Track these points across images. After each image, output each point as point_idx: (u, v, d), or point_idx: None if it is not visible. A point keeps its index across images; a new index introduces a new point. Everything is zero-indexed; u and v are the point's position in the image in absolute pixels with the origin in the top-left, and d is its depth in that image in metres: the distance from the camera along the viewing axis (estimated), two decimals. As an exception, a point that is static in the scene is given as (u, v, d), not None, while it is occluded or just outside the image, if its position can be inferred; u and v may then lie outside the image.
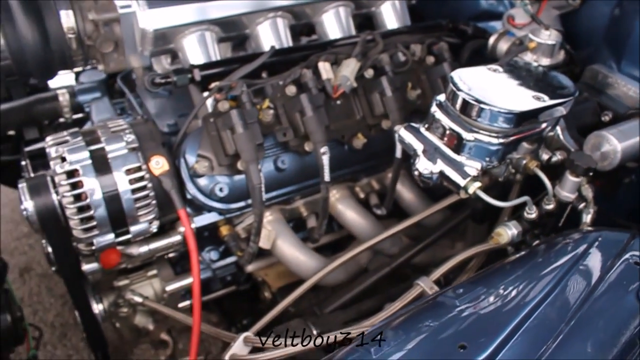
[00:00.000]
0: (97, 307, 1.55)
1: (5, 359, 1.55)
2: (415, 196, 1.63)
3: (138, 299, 1.49)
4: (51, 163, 1.23)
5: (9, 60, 1.35)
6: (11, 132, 1.93)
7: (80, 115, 1.68)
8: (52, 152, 1.23)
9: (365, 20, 1.74)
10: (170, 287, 1.55)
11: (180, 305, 1.65)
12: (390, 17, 1.67)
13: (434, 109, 1.20)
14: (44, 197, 1.25)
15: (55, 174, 1.22)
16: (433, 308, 1.00)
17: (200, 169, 1.30)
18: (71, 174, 1.22)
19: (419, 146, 1.20)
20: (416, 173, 1.19)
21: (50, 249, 1.47)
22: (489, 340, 0.88)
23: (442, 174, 1.17)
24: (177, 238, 1.40)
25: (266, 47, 1.50)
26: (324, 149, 1.31)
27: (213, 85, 1.32)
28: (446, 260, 1.23)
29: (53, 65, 1.40)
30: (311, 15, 1.59)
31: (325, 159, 1.31)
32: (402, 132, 1.23)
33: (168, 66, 1.59)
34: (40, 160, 1.55)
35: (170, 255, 1.62)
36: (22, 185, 1.27)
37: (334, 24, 1.60)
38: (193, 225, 1.37)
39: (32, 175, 1.48)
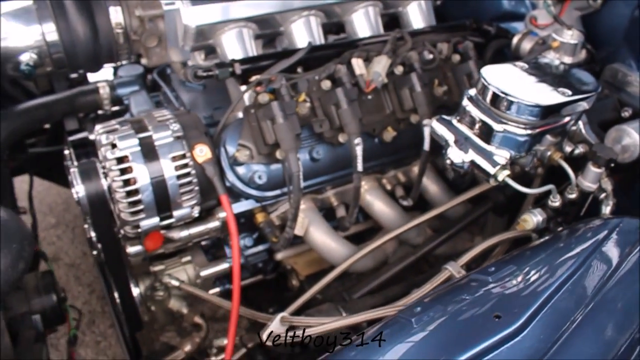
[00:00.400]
0: (135, 290, 1.62)
1: (44, 339, 1.62)
2: (439, 189, 1.69)
3: (175, 283, 1.57)
4: (102, 149, 1.30)
5: (60, 53, 1.42)
6: (46, 125, 2.02)
7: (117, 107, 1.76)
8: (102, 139, 1.31)
9: (392, 20, 1.81)
10: (204, 273, 1.62)
11: (211, 291, 1.73)
12: (417, 16, 1.74)
13: (465, 102, 1.28)
14: (94, 181, 1.33)
15: (106, 160, 1.29)
16: (467, 284, 1.06)
17: (241, 157, 1.38)
18: (121, 160, 1.29)
19: (450, 137, 1.28)
20: (448, 162, 1.27)
21: (93, 234, 1.55)
22: (521, 312, 0.94)
23: (472, 162, 1.24)
24: (215, 224, 1.47)
25: (299, 44, 1.57)
26: (357, 140, 1.38)
27: (253, 78, 1.39)
28: (473, 246, 1.30)
29: (101, 58, 1.48)
30: (341, 14, 1.66)
31: (359, 150, 1.39)
32: (435, 124, 1.30)
33: (201, 61, 1.66)
34: (83, 149, 1.63)
35: (203, 243, 1.70)
36: (74, 170, 1.34)
37: (363, 22, 1.67)
38: (232, 211, 1.44)
39: (75, 163, 1.56)
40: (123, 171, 1.28)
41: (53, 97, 1.65)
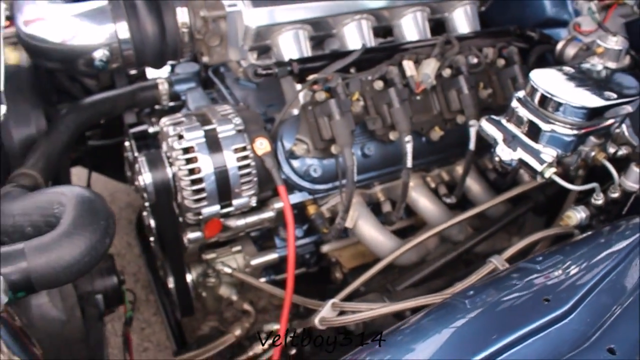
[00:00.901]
0: (188, 276, 1.71)
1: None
2: (481, 188, 1.75)
3: (228, 270, 1.65)
4: (169, 140, 1.39)
5: (130, 50, 1.51)
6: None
7: (173, 103, 1.86)
8: (170, 130, 1.39)
9: (438, 25, 1.87)
10: (254, 262, 1.70)
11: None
12: (462, 22, 1.81)
13: (514, 103, 1.35)
14: (160, 170, 1.42)
15: (173, 150, 1.38)
16: (515, 271, 1.13)
17: (298, 151, 1.46)
18: (187, 150, 1.38)
19: (499, 136, 1.35)
20: (496, 159, 1.33)
21: (152, 221, 1.64)
22: (568, 296, 1.00)
23: (520, 160, 1.31)
24: (269, 214, 1.55)
25: (350, 46, 1.65)
26: (408, 138, 1.45)
27: (310, 77, 1.47)
28: (517, 241, 1.36)
29: (166, 55, 1.57)
30: (391, 18, 1.74)
31: (409, 147, 1.46)
32: (484, 124, 1.37)
33: (254, 61, 1.74)
34: (142, 141, 1.73)
35: (252, 234, 1.78)
36: (142, 159, 1.43)
37: (411, 27, 1.74)
38: (286, 202, 1.52)
39: (136, 153, 1.65)
40: (189, 161, 1.37)
41: (116, 91, 1.75)
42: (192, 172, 1.37)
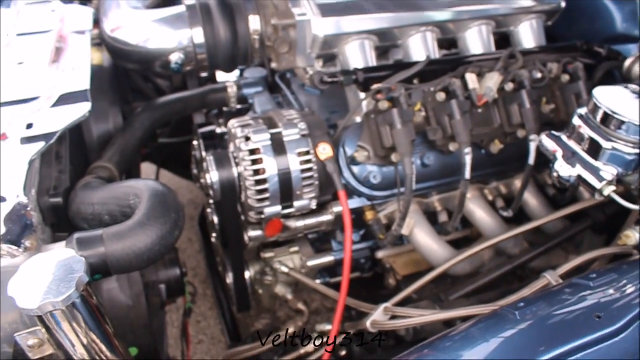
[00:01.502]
0: (247, 273, 1.78)
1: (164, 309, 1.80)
2: (539, 203, 1.75)
3: (285, 270, 1.71)
4: (236, 141, 1.46)
5: (203, 55, 1.60)
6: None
7: (241, 106, 1.94)
8: (238, 132, 1.47)
9: (503, 39, 1.88)
10: (310, 263, 1.76)
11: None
12: (528, 36, 1.81)
13: (576, 120, 1.35)
14: (227, 169, 1.49)
15: (240, 151, 1.45)
16: (568, 287, 1.13)
17: (359, 157, 1.50)
18: (253, 151, 1.44)
19: (559, 152, 1.35)
20: (555, 175, 1.34)
21: (215, 218, 1.71)
22: (621, 315, 1.00)
23: (579, 177, 1.31)
24: (328, 217, 1.60)
25: (415, 58, 1.68)
26: (468, 150, 1.47)
27: (374, 87, 1.51)
28: (574, 258, 1.36)
29: (237, 60, 1.65)
30: (456, 31, 1.76)
31: (469, 159, 1.48)
32: (544, 139, 1.38)
33: (320, 69, 1.79)
34: (210, 141, 1.81)
35: (310, 236, 1.84)
36: (210, 158, 1.51)
37: (476, 40, 1.75)
38: (345, 207, 1.56)
39: (204, 153, 1.73)
40: (254, 162, 1.44)
41: (188, 93, 1.85)
42: (257, 172, 1.44)
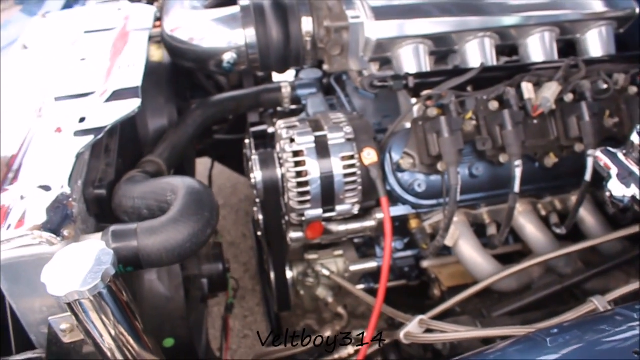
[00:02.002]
0: (288, 274, 1.78)
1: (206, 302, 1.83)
2: (597, 221, 1.66)
3: (326, 273, 1.70)
4: (281, 142, 1.47)
5: (255, 55, 1.61)
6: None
7: (295, 106, 1.94)
8: (283, 133, 1.47)
9: (568, 47, 1.80)
10: (353, 268, 1.74)
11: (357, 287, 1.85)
12: (596, 44, 1.72)
13: (634, 137, 1.26)
14: (271, 169, 1.50)
15: (284, 152, 1.45)
16: (610, 317, 1.06)
17: (404, 164, 1.47)
18: (297, 153, 1.44)
19: (613, 169, 1.27)
20: (607, 194, 1.26)
21: (261, 216, 1.73)
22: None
23: (633, 198, 1.23)
24: (371, 223, 1.58)
25: (472, 64, 1.63)
26: (518, 162, 1.41)
27: (424, 93, 1.48)
28: (625, 284, 1.28)
29: (289, 61, 1.65)
30: (517, 37, 1.69)
31: (518, 172, 1.42)
32: (599, 154, 1.30)
33: (375, 72, 1.77)
34: (261, 140, 1.83)
35: (356, 240, 1.82)
36: (255, 157, 1.52)
37: (538, 47, 1.68)
38: (388, 214, 1.54)
39: (253, 151, 1.75)
40: (297, 164, 1.44)
41: (242, 92, 1.87)
42: (299, 174, 1.44)
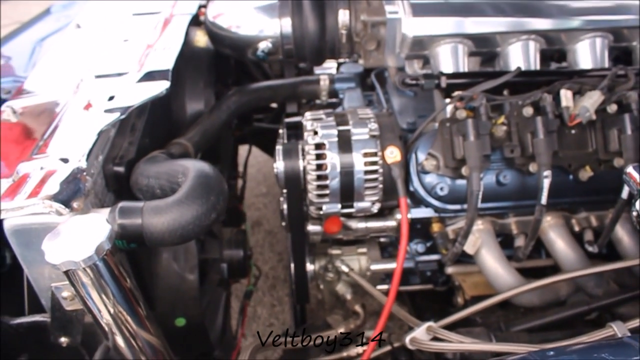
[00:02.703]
0: (310, 266, 1.78)
1: (227, 289, 1.85)
2: (634, 242, 1.56)
3: (345, 269, 1.69)
4: (305, 134, 1.46)
5: (290, 45, 1.61)
6: (274, 105, 2.28)
7: (333, 100, 1.93)
8: (308, 125, 1.47)
9: (624, 54, 1.70)
10: (374, 267, 1.72)
11: (378, 287, 1.82)
12: (651, 55, 1.62)
13: (673, 155, 1.18)
14: (293, 160, 1.50)
15: (307, 144, 1.45)
16: (616, 344, 1.00)
17: (428, 165, 1.44)
18: (319, 146, 1.43)
19: (645, 188, 1.20)
20: (634, 214, 1.19)
21: (285, 206, 1.73)
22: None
23: (664, 220, 1.15)
24: (392, 223, 1.56)
25: (513, 67, 1.57)
26: (547, 173, 1.35)
27: (456, 94, 1.43)
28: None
29: (324, 54, 1.64)
30: (565, 42, 1.62)
31: (546, 183, 1.35)
32: (630, 170, 1.23)
33: (418, 70, 1.73)
34: (295, 131, 1.82)
35: (382, 239, 1.79)
36: (279, 148, 1.52)
37: (587, 53, 1.60)
38: (409, 215, 1.50)
39: (285, 142, 1.75)
40: (318, 156, 1.43)
41: (280, 81, 1.88)
42: (319, 167, 1.43)
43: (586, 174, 1.45)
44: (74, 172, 1.12)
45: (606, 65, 1.61)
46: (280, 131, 1.84)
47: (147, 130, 1.45)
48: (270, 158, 2.76)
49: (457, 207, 1.50)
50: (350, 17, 1.59)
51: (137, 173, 1.28)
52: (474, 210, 1.36)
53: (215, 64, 1.87)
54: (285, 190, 1.66)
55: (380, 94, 1.85)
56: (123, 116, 1.28)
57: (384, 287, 1.83)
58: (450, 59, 1.56)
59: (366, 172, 1.42)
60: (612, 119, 1.43)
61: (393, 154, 1.42)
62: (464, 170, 1.41)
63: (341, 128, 1.44)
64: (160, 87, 1.36)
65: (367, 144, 1.43)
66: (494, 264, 1.51)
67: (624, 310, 1.53)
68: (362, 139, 1.43)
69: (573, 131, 1.44)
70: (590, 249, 1.55)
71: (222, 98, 1.77)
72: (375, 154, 1.43)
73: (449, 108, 1.49)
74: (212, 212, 1.11)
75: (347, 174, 1.42)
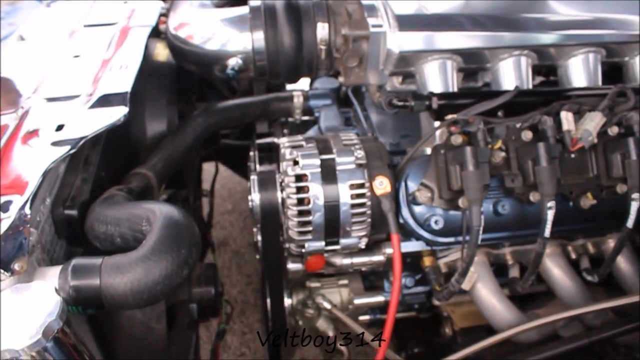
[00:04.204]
0: (287, 302, 1.63)
1: (196, 329, 1.69)
2: (634, 271, 1.48)
3: (327, 306, 1.54)
4: (284, 164, 1.31)
5: (263, 62, 1.45)
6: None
7: (307, 117, 1.78)
8: (286, 153, 1.31)
9: (613, 70, 1.61)
10: (358, 301, 1.59)
11: (360, 317, 1.69)
12: (646, 71, 1.53)
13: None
14: (270, 192, 1.35)
15: (286, 175, 1.29)
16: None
17: (421, 197, 1.30)
18: (300, 177, 1.28)
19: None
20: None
21: (259, 239, 1.57)
22: None
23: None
24: (379, 258, 1.42)
25: (505, 84, 1.46)
26: (551, 204, 1.24)
27: (449, 117, 1.30)
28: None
29: (300, 71, 1.49)
30: (557, 57, 1.51)
31: (550, 214, 1.24)
32: (637, 196, 1.13)
33: (398, 85, 1.60)
34: (267, 153, 1.67)
35: (363, 268, 1.66)
36: (254, 178, 1.37)
37: (580, 70, 1.50)
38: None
39: (257, 166, 1.60)
40: (299, 189, 1.28)
41: (250, 99, 1.72)
42: (300, 202, 1.28)
43: (588, 201, 1.34)
44: (15, 224, 0.94)
45: (599, 82, 1.51)
46: (251, 153, 1.69)
47: (103, 161, 1.28)
48: (235, 174, 2.60)
49: (451, 239, 1.37)
50: (330, 31, 1.44)
51: (92, 218, 1.10)
52: (475, 247, 1.23)
53: (177, 79, 1.70)
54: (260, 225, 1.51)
55: (359, 111, 1.72)
56: (74, 150, 1.10)
57: (366, 317, 1.71)
58: (438, 77, 1.44)
59: (353, 206, 1.28)
60: (615, 143, 1.32)
61: (382, 185, 1.28)
62: (461, 202, 1.28)
63: (324, 157, 1.29)
64: (118, 113, 1.19)
65: (353, 174, 1.28)
66: (491, 299, 1.40)
67: (622, 339, 1.45)
68: (348, 168, 1.29)
69: (573, 155, 1.34)
70: (589, 278, 1.45)
71: (187, 119, 1.59)
72: (362, 185, 1.28)
73: (439, 132, 1.37)
74: (184, 268, 0.96)
75: (331, 208, 1.27)
